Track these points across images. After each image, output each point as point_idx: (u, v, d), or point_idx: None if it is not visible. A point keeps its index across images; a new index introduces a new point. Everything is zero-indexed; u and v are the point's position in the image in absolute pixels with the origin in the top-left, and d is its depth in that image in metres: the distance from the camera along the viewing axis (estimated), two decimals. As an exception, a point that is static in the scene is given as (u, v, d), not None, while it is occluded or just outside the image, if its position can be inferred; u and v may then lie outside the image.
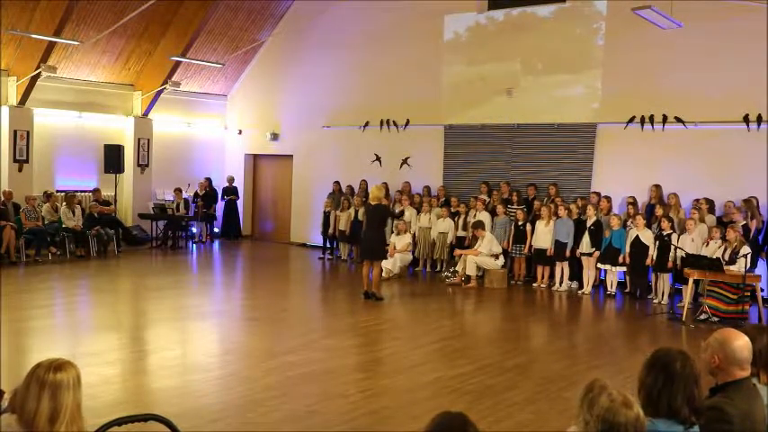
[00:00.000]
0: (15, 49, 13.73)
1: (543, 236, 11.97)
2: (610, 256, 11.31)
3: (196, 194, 16.70)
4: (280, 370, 6.78)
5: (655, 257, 10.89)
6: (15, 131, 14.05)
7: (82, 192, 15.12)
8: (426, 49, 14.63)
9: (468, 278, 12.07)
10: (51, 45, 13.46)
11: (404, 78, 14.98)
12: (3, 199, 13.11)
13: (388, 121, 15.27)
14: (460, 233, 13.05)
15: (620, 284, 11.63)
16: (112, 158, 15.18)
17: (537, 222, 12.12)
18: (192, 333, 8.62)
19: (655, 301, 11.04)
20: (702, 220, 10.75)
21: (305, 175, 16.93)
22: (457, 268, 12.27)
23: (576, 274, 11.99)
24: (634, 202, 11.70)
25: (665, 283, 10.96)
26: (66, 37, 13.42)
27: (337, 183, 15.51)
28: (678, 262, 10.41)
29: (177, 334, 8.54)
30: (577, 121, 12.92)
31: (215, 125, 18.19)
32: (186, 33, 15.21)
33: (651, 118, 12.15)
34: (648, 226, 11.20)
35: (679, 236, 10.67)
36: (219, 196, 17.31)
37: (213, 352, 7.72)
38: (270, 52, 17.39)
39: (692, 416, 2.67)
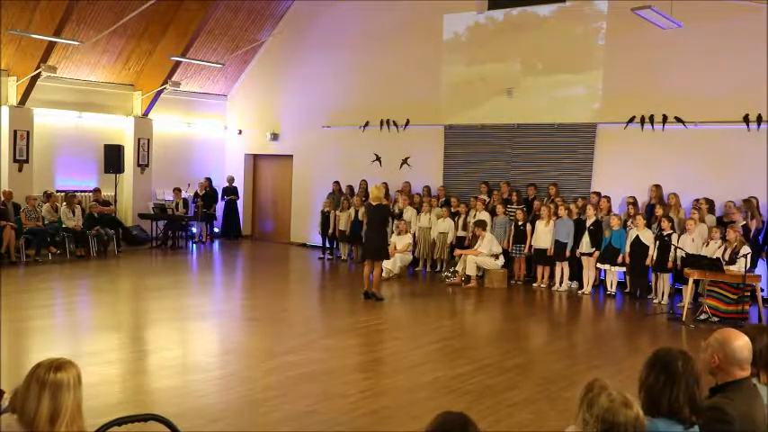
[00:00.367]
0: (15, 49, 13.73)
1: (543, 236, 11.97)
2: (610, 256, 11.31)
3: (196, 194, 16.70)
4: (280, 370, 6.78)
5: (655, 257, 10.88)
6: (15, 131, 14.05)
7: (82, 192, 15.12)
8: (427, 48, 14.64)
9: (468, 278, 12.07)
10: (51, 45, 13.46)
11: (404, 78, 14.99)
12: (3, 199, 13.11)
13: (388, 121, 15.27)
14: (460, 233, 13.05)
15: (620, 284, 11.63)
16: (112, 158, 15.18)
17: (537, 222, 12.12)
18: (192, 333, 8.62)
19: (655, 301, 11.04)
20: (702, 220, 10.75)
21: (305, 175, 16.93)
22: (457, 268, 12.28)
23: (576, 274, 12.00)
24: (634, 202, 11.70)
25: (665, 283, 10.96)
26: (66, 37, 13.42)
27: (337, 183, 15.51)
28: (678, 262, 10.41)
29: (177, 334, 8.54)
30: (577, 121, 12.92)
31: (215, 125, 18.19)
32: (186, 33, 15.21)
33: (651, 118, 12.15)
34: (648, 226, 11.20)
35: (679, 236, 10.67)
36: (219, 196, 17.32)
37: (213, 352, 7.72)
38: (270, 52, 17.39)
39: (692, 416, 2.67)
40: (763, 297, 9.89)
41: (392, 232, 13.16)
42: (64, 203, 14.01)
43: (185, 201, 16.35)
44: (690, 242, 10.41)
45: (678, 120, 11.92)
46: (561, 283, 11.96)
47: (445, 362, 7.34)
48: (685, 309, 9.76)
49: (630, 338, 9.03)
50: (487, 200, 13.15)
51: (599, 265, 11.57)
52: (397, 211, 12.54)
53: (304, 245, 16.81)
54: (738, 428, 2.80)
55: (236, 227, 17.71)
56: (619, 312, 10.60)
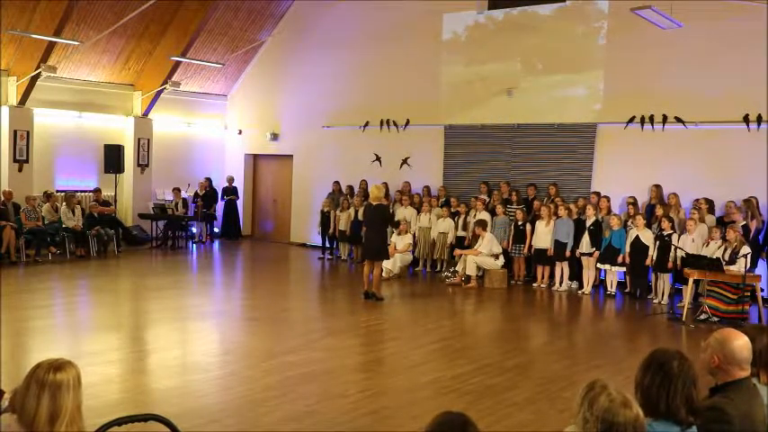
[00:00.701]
0: (15, 49, 13.73)
1: (543, 236, 11.97)
2: (610, 256, 11.31)
3: (196, 194, 16.70)
4: (280, 370, 6.78)
5: (655, 257, 10.88)
6: (15, 131, 14.05)
7: (82, 192, 15.12)
8: (427, 48, 14.64)
9: (468, 278, 12.07)
10: (51, 45, 13.46)
11: (404, 78, 14.99)
12: (3, 199, 13.12)
13: (388, 121, 15.27)
14: (460, 233, 13.05)
15: (620, 284, 11.63)
16: (112, 158, 15.18)
17: (537, 222, 12.12)
18: (192, 333, 8.61)
19: (655, 301, 11.04)
20: (702, 221, 10.75)
21: (305, 175, 16.93)
22: (457, 268, 12.28)
23: (576, 274, 12.00)
24: (634, 202, 11.70)
25: (665, 283, 10.96)
26: (66, 37, 13.42)
27: (337, 183, 15.51)
28: (678, 262, 10.41)
29: (177, 334, 8.54)
30: (578, 121, 12.92)
31: (215, 125, 18.19)
32: (186, 33, 15.21)
33: (651, 118, 12.15)
34: (648, 226, 11.20)
35: (679, 236, 10.67)
36: (219, 196, 17.32)
37: (213, 352, 7.71)
38: (270, 52, 17.39)
39: (689, 417, 2.66)
40: (763, 297, 9.89)
41: (392, 232, 13.16)
42: (64, 203, 14.01)
43: (185, 201, 16.35)
44: (690, 242, 10.41)
45: (678, 120, 11.92)
46: (561, 283, 11.96)
47: (445, 362, 7.34)
48: (685, 309, 9.76)
49: (630, 338, 9.03)
50: (487, 200, 13.15)
51: (599, 265, 11.57)
52: (395, 219, 12.61)
53: (304, 245, 16.82)
54: (738, 428, 2.80)
55: (236, 227, 17.71)
56: (619, 312, 10.60)
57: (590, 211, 11.63)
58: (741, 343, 2.96)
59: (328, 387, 6.35)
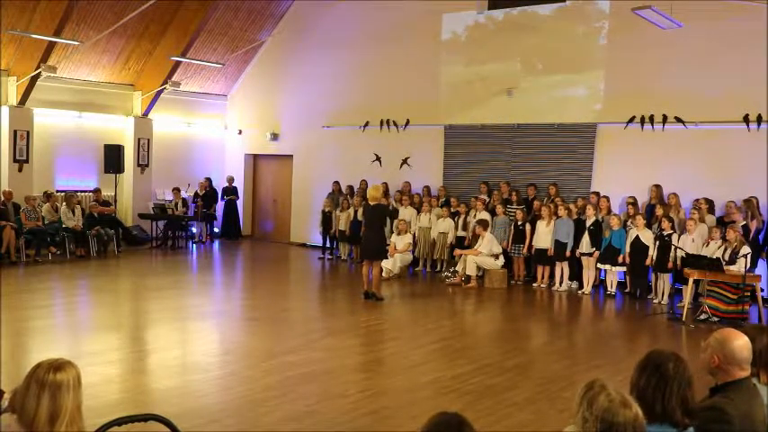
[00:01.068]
0: (15, 49, 13.73)
1: (543, 236, 11.97)
2: (610, 256, 11.31)
3: (196, 194, 16.70)
4: (280, 370, 6.78)
5: (655, 257, 10.88)
6: (15, 131, 14.05)
7: (82, 192, 15.12)
8: (427, 48, 14.64)
9: (468, 278, 12.07)
10: (51, 45, 13.46)
11: (404, 78, 14.99)
12: (3, 199, 13.12)
13: (388, 121, 15.27)
14: (460, 233, 13.05)
15: (620, 284, 11.63)
16: (112, 158, 15.18)
17: (537, 222, 12.12)
18: (192, 333, 8.62)
19: (655, 301, 11.04)
20: (702, 221, 10.75)
21: (305, 175, 16.93)
22: (457, 268, 12.28)
23: (576, 274, 12.00)
24: (634, 202, 11.70)
25: (665, 283, 10.96)
26: (66, 37, 13.42)
27: (337, 183, 15.51)
28: (678, 262, 10.41)
29: (177, 334, 8.54)
30: (578, 121, 12.92)
31: (215, 125, 18.19)
32: (186, 33, 15.21)
33: (651, 118, 12.15)
34: (648, 226, 11.20)
35: (679, 236, 10.67)
36: (219, 196, 17.32)
37: (213, 352, 7.71)
38: (270, 52, 17.39)
39: (685, 418, 2.66)
40: (763, 297, 9.89)
41: (392, 232, 13.16)
42: (64, 203, 14.01)
43: (185, 201, 16.35)
44: (690, 242, 10.41)
45: (678, 120, 11.91)
46: (561, 283, 11.96)
47: (445, 362, 7.34)
48: (685, 309, 9.75)
49: (630, 338, 9.03)
50: (487, 200, 13.16)
51: (599, 265, 11.57)
52: (391, 208, 12.60)
53: (304, 245, 16.82)
54: (738, 428, 2.80)
55: (236, 227, 17.71)
56: (619, 312, 10.60)
57: (590, 211, 11.63)
58: (741, 343, 2.96)
59: (328, 387, 6.35)
